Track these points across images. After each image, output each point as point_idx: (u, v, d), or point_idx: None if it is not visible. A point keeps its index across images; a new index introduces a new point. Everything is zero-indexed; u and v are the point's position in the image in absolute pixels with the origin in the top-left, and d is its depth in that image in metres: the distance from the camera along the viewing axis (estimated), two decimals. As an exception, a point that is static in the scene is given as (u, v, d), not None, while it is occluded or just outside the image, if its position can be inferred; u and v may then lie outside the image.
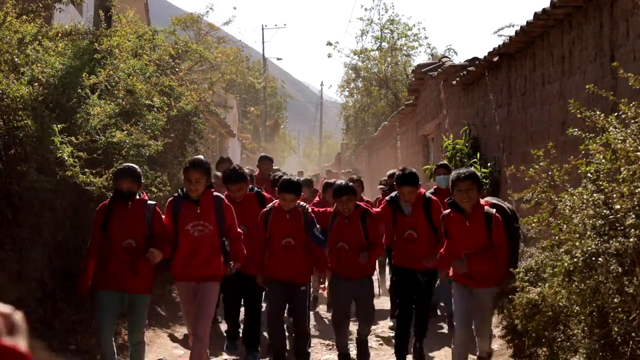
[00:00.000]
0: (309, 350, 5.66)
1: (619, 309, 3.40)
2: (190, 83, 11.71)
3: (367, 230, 5.37)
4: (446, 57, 13.58)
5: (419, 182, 5.50)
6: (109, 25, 8.38)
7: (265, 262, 5.33)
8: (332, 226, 5.49)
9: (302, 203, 5.37)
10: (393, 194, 5.65)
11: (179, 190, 4.85)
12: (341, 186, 5.41)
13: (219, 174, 7.82)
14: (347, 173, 20.72)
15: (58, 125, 5.33)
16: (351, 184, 5.55)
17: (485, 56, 8.31)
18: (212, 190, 4.80)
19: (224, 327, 6.62)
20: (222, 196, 4.84)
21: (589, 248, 3.54)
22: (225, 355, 6.14)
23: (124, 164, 4.94)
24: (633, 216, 3.40)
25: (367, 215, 5.41)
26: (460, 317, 4.81)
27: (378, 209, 5.82)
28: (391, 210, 5.57)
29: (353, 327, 6.12)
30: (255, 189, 5.86)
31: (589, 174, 3.77)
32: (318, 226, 5.32)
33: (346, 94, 28.29)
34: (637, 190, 3.41)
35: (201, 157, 5.07)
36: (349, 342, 5.82)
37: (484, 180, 8.05)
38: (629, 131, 3.71)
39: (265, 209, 5.36)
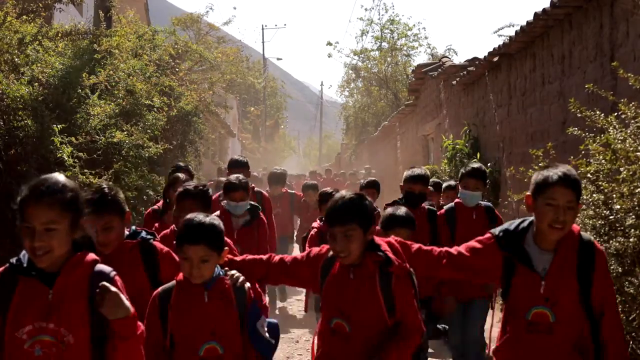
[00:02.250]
0: None
1: (619, 309, 3.40)
2: (190, 83, 11.74)
3: (391, 299, 2.63)
4: (446, 57, 13.58)
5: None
6: (109, 26, 8.39)
7: None
8: (323, 283, 2.73)
9: (233, 272, 2.68)
10: (510, 224, 2.73)
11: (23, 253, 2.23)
12: (337, 204, 2.65)
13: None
14: (363, 173, 18.38)
15: (58, 125, 5.34)
16: (364, 202, 2.69)
17: (485, 56, 8.31)
18: (89, 255, 2.24)
19: None
20: (107, 271, 2.23)
21: (589, 248, 3.54)
22: None
23: None
24: (633, 216, 3.40)
25: (394, 271, 2.62)
26: None
27: (461, 249, 2.81)
28: (501, 259, 2.68)
29: None
30: (143, 234, 3.03)
31: (588, 175, 3.77)
32: (265, 319, 2.74)
33: (346, 94, 28.36)
34: (637, 191, 3.41)
35: (56, 176, 2.21)
36: None
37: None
38: (628, 131, 3.71)
39: (163, 288, 2.65)
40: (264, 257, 2.88)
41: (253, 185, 5.80)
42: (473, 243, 2.78)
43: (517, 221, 2.72)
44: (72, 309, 2.17)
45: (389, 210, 3.83)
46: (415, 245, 2.83)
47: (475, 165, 4.78)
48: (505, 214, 7.35)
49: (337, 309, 2.68)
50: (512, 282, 2.64)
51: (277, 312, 7.70)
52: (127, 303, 2.12)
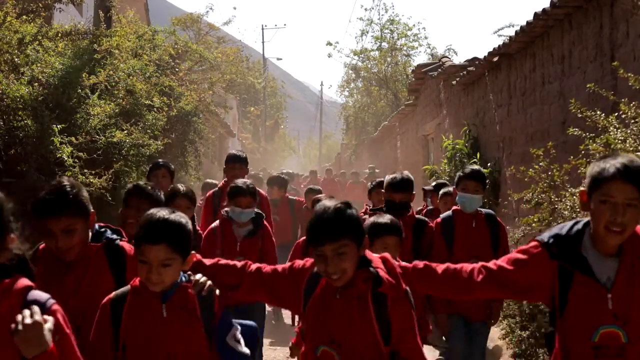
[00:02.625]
0: None
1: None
2: (190, 83, 11.74)
3: (387, 325, 2.23)
4: (446, 57, 13.58)
5: None
6: (109, 26, 8.39)
7: None
8: (307, 303, 2.32)
9: (198, 277, 2.31)
10: (560, 228, 2.28)
11: None
12: (323, 216, 2.20)
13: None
14: (367, 172, 17.63)
15: (58, 125, 5.34)
16: (352, 211, 2.24)
17: (485, 56, 8.31)
18: (20, 280, 1.82)
19: None
20: (43, 299, 1.82)
21: (589, 248, 3.54)
22: None
23: None
24: (633, 216, 3.40)
25: (386, 292, 2.21)
26: None
27: (501, 262, 2.34)
28: (553, 270, 2.22)
29: None
30: (109, 233, 2.68)
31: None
32: (238, 327, 2.39)
33: (346, 94, 28.39)
34: (637, 190, 3.41)
35: None
36: None
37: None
38: (629, 131, 3.71)
39: (116, 294, 2.32)
40: (239, 264, 2.44)
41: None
42: (515, 254, 2.32)
43: (569, 223, 2.26)
44: (3, 354, 1.73)
45: (372, 219, 3.39)
46: (442, 266, 2.38)
47: (474, 167, 4.41)
48: (505, 214, 7.35)
49: (324, 334, 2.26)
50: (569, 298, 2.17)
51: (274, 312, 7.68)
52: (48, 337, 1.70)
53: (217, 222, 4.35)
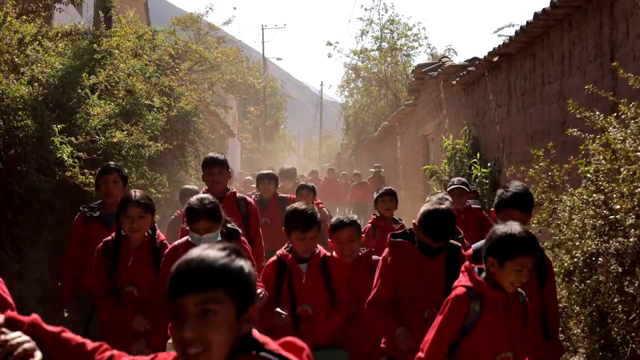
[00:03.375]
0: None
1: (619, 309, 3.40)
2: (190, 83, 11.73)
3: None
4: (446, 57, 13.58)
5: None
6: (109, 26, 8.38)
7: None
8: None
9: (12, 336, 1.51)
10: None
11: None
12: (190, 259, 1.45)
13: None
14: (372, 172, 16.68)
15: (58, 125, 5.33)
16: (240, 260, 1.49)
17: (485, 56, 8.31)
18: None
19: None
20: None
21: (589, 248, 3.56)
22: None
23: None
24: (633, 216, 3.40)
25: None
26: None
27: None
28: None
29: None
30: None
31: (588, 174, 3.77)
32: None
33: (346, 94, 28.35)
34: (637, 190, 3.41)
35: None
36: None
37: (484, 180, 8.06)
38: (628, 131, 3.71)
39: None
40: (90, 345, 1.67)
41: (234, 190, 4.74)
42: None
43: None
44: None
45: (501, 228, 2.55)
46: None
47: (519, 187, 3.33)
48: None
49: None
50: None
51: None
52: None
53: (182, 240, 3.58)
